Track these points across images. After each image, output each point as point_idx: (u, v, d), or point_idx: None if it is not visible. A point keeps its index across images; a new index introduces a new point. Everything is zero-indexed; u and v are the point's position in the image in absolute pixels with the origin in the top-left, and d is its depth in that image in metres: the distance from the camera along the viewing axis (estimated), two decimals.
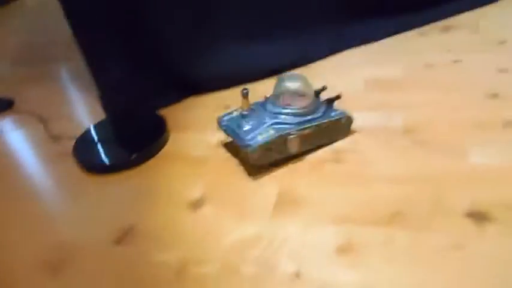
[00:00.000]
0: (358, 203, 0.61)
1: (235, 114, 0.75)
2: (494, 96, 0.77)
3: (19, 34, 1.78)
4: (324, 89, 0.78)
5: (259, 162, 0.68)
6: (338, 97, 0.75)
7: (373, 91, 0.87)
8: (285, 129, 0.68)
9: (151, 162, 0.79)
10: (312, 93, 0.73)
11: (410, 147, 0.69)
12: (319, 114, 0.72)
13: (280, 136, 0.68)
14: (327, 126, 0.71)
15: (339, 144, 0.73)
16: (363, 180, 0.65)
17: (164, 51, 0.90)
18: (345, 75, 0.95)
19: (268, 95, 0.75)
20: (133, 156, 0.78)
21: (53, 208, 0.73)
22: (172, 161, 0.78)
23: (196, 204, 0.66)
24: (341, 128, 0.73)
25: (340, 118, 0.72)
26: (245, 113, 0.71)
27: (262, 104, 0.74)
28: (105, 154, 0.80)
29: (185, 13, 0.88)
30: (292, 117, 0.70)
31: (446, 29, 1.08)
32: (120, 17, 0.84)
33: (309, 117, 0.71)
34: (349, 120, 0.73)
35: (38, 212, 0.72)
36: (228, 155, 0.76)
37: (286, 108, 0.71)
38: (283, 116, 0.70)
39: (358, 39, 1.06)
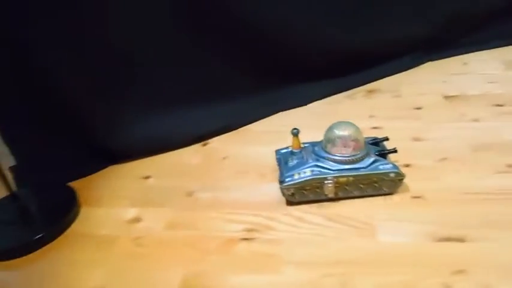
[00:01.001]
0: None
1: (289, 149, 0.78)
2: (407, 166, 0.78)
3: None
4: (385, 139, 0.79)
5: (294, 199, 0.72)
6: (394, 151, 0.75)
7: None
8: (323, 173, 0.70)
9: (56, 243, 0.73)
10: (361, 143, 0.72)
11: (323, 225, 0.68)
12: (363, 165, 0.70)
13: (315, 179, 0.69)
14: (369, 178, 0.70)
15: (251, 220, 0.71)
16: (273, 264, 0.62)
17: (81, 120, 0.87)
18: (272, 141, 0.94)
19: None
20: (36, 237, 0.72)
21: None
22: (79, 241, 0.73)
23: None
24: (390, 182, 0.71)
25: (388, 173, 0.70)
26: (295, 150, 0.75)
27: (314, 145, 0.76)
28: (5, 237, 0.74)
29: (103, 82, 0.86)
30: (333, 163, 0.71)
31: (371, 93, 1.12)
32: (33, 89, 0.81)
33: (350, 166, 0.70)
34: (399, 176, 0.70)
35: None
36: (139, 233, 0.72)
37: (330, 154, 0.72)
38: (325, 161, 0.71)
39: (287, 104, 1.07)
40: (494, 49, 1.25)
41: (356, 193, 0.71)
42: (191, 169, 0.88)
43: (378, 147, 0.78)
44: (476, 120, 0.93)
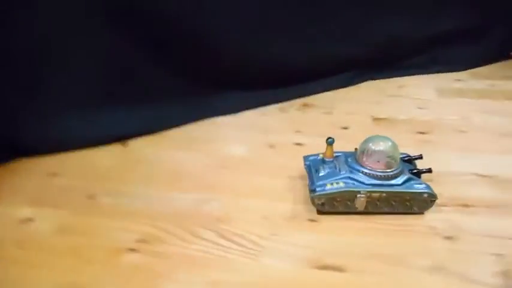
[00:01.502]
0: None
1: (320, 157, 0.77)
2: None
3: None
4: (419, 157, 0.78)
5: (323, 209, 0.71)
6: (429, 171, 0.75)
7: (209, 171, 0.85)
8: (356, 186, 0.69)
9: None
10: (397, 159, 0.71)
11: (213, 241, 0.67)
12: (397, 182, 0.69)
13: (347, 192, 0.69)
14: (402, 196, 0.69)
15: (146, 230, 0.69)
16: (151, 280, 0.60)
17: None
18: (195, 148, 0.93)
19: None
20: None
21: None
22: None
23: None
24: (422, 202, 0.70)
25: (422, 193, 0.69)
26: (326, 159, 0.74)
27: (347, 156, 0.75)
28: None
29: (14, 75, 0.82)
30: (367, 177, 0.70)
31: (305, 107, 1.12)
32: None
33: (384, 182, 0.69)
34: (432, 197, 0.69)
35: None
36: (26, 235, 0.69)
37: (364, 168, 0.70)
38: (359, 173, 0.70)
39: (216, 110, 1.05)
40: (431, 74, 1.27)
41: (386, 209, 0.70)
42: (102, 170, 0.86)
43: (411, 165, 0.77)
44: None
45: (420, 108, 1.10)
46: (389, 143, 0.72)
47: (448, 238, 0.66)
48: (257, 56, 1.06)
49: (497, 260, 0.61)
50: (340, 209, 0.70)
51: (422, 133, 0.99)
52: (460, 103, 1.14)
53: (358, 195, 0.69)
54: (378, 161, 0.70)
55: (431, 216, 0.70)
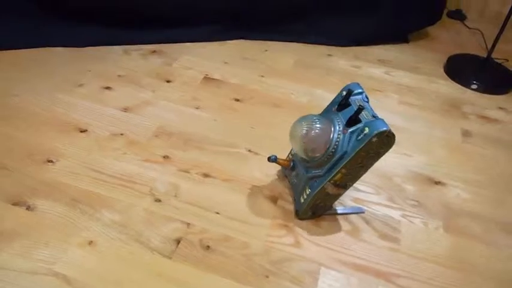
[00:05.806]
0: None
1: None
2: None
3: None
4: (360, 109, 0.66)
5: (316, 215, 0.73)
6: (360, 109, 0.65)
7: None
8: (318, 184, 0.67)
9: None
10: (328, 132, 0.66)
11: None
12: (344, 149, 0.64)
13: (317, 193, 0.68)
14: (360, 156, 0.63)
15: None
16: None
17: None
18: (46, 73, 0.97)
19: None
20: None
21: None
22: None
23: None
24: (380, 144, 0.62)
25: (371, 140, 0.61)
26: (286, 168, 0.77)
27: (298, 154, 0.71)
28: None
29: None
30: (318, 169, 0.68)
31: (151, 54, 1.12)
32: None
33: (334, 159, 0.65)
34: (383, 134, 0.61)
35: None
36: None
37: (309, 161, 0.69)
38: (311, 169, 0.69)
39: (59, 41, 1.07)
40: (307, 44, 1.25)
41: (362, 173, 0.67)
42: None
43: (347, 109, 0.68)
44: (198, 107, 0.96)
45: (262, 76, 1.10)
46: (310, 121, 0.66)
47: None
48: None
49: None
50: (328, 203, 0.71)
51: (237, 100, 1.00)
52: (305, 78, 1.11)
53: (325, 188, 0.67)
54: (313, 146, 0.66)
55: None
